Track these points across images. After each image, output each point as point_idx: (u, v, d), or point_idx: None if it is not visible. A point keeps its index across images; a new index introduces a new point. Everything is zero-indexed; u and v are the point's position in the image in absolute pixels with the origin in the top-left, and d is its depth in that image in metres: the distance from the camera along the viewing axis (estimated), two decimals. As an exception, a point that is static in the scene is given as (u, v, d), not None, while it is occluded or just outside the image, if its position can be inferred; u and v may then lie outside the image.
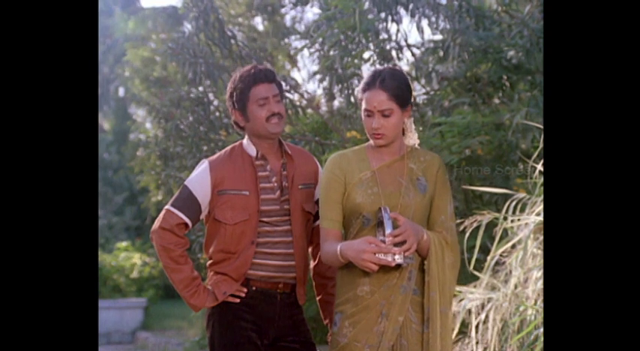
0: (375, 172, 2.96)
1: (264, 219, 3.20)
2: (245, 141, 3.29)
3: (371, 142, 3.03)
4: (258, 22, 10.78)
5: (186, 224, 3.19)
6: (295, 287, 3.25)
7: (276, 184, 3.22)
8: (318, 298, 3.36)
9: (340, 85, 6.03)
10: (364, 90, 2.94)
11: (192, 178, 3.24)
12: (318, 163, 3.36)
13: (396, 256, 2.78)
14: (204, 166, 3.24)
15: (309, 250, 3.35)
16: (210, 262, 3.26)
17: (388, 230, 2.79)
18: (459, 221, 4.48)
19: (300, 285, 3.26)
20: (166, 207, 3.22)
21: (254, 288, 3.20)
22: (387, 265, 2.79)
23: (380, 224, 2.86)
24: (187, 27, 6.66)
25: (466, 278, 4.62)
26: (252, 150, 3.26)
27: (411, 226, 2.83)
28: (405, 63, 7.11)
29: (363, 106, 2.93)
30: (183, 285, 3.19)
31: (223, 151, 3.31)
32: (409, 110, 2.97)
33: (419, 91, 6.69)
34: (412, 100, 2.99)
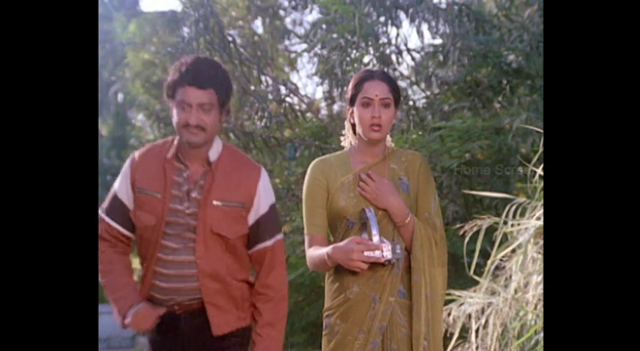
0: (357, 174, 2.96)
1: (169, 232, 2.78)
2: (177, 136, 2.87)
3: (354, 145, 3.03)
4: (258, 26, 10.80)
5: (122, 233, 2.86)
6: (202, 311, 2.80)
7: (185, 195, 2.79)
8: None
9: (340, 89, 6.04)
10: (362, 81, 2.93)
11: (118, 181, 2.88)
12: (263, 181, 2.86)
13: (385, 252, 2.78)
14: (130, 158, 2.89)
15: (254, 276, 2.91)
16: None
17: (374, 230, 2.80)
18: (458, 226, 4.49)
19: (215, 311, 2.79)
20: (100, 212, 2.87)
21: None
22: (377, 261, 2.79)
23: (364, 225, 2.87)
24: (187, 31, 6.67)
25: (466, 283, 4.62)
26: (173, 150, 2.84)
27: (380, 187, 2.90)
28: (404, 67, 7.14)
29: (362, 95, 2.91)
30: None
31: (159, 141, 2.92)
32: (397, 112, 2.99)
33: (419, 96, 6.70)
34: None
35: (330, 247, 2.86)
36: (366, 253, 2.78)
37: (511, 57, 5.97)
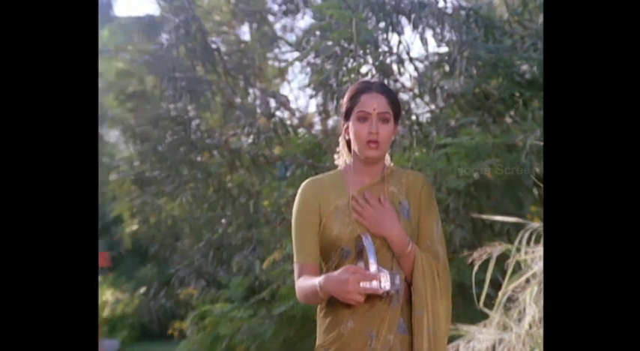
0: (353, 197, 2.96)
1: None
2: None
3: (349, 164, 3.02)
4: (245, 32, 10.83)
5: None
6: None
7: None
8: None
9: (335, 102, 6.06)
10: (358, 94, 2.92)
11: None
12: None
13: (383, 283, 2.76)
14: None
15: None
16: None
17: (371, 258, 2.77)
18: (466, 253, 4.49)
19: None
20: None
21: None
22: (374, 293, 2.77)
23: (360, 253, 2.86)
24: (166, 38, 6.70)
25: (475, 316, 4.62)
26: None
27: (379, 212, 2.88)
28: (407, 78, 7.16)
29: (358, 109, 2.90)
30: None
31: None
32: (397, 128, 2.99)
33: (422, 109, 6.73)
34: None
35: (323, 277, 2.85)
36: (362, 284, 2.76)
37: (524, 67, 6.00)
